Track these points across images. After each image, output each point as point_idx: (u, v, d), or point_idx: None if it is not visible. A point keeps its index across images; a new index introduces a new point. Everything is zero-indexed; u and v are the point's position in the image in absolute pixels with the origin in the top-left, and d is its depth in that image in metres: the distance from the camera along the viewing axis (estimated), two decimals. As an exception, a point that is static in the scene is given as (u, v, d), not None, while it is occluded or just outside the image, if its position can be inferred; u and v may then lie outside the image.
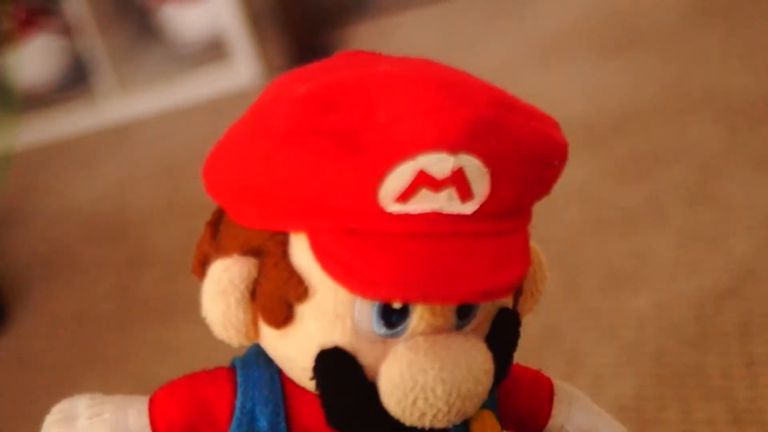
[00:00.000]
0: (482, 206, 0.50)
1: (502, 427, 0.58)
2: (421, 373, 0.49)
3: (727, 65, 1.50)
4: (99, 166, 1.83)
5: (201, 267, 0.55)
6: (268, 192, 0.50)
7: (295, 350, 0.52)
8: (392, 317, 0.50)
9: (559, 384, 0.62)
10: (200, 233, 0.57)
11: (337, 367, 0.51)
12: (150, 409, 0.55)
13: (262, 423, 0.54)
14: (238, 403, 0.54)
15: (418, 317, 0.50)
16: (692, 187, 1.24)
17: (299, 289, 0.51)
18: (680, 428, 0.90)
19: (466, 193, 0.49)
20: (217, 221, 0.56)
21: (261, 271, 0.52)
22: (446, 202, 0.49)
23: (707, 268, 1.09)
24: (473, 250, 0.49)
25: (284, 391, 0.55)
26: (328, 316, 0.51)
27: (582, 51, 1.68)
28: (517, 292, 0.56)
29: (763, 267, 1.07)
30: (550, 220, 1.25)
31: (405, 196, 0.49)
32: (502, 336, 0.53)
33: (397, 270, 0.48)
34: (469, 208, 0.50)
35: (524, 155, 0.51)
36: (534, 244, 0.56)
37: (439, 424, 0.50)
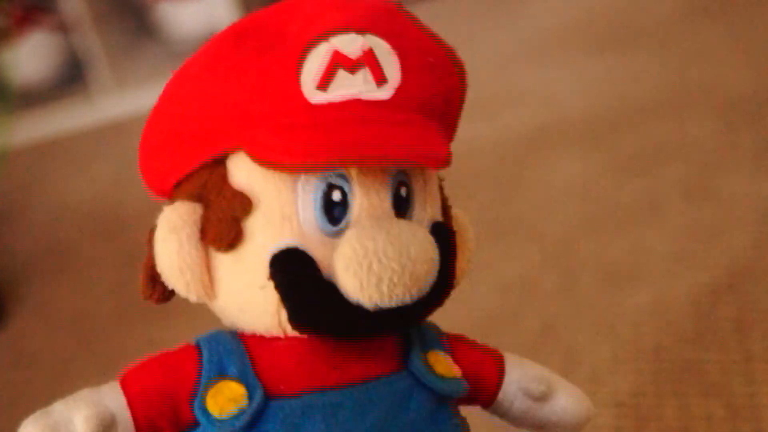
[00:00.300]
0: (398, 96, 0.54)
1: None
2: (370, 241, 0.52)
3: (725, 62, 1.50)
4: (96, 163, 1.83)
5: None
6: (203, 117, 0.54)
7: (251, 270, 0.54)
8: (334, 210, 0.53)
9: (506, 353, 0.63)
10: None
11: (293, 262, 0.53)
12: (122, 382, 0.56)
13: (232, 370, 0.55)
14: (206, 356, 0.55)
15: (359, 207, 0.53)
16: (690, 183, 1.24)
17: (245, 202, 0.54)
18: (678, 424, 0.90)
19: (379, 75, 0.54)
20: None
21: (206, 206, 0.55)
22: (363, 86, 0.53)
23: (705, 265, 1.09)
24: (399, 132, 0.53)
25: (247, 347, 0.56)
26: (275, 221, 0.53)
27: (580, 48, 1.67)
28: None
29: (760, 263, 1.07)
30: (548, 217, 1.25)
31: (324, 79, 0.53)
32: (439, 242, 0.54)
33: (331, 141, 0.51)
34: (385, 93, 0.54)
35: (429, 47, 0.56)
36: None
37: (397, 293, 0.52)
